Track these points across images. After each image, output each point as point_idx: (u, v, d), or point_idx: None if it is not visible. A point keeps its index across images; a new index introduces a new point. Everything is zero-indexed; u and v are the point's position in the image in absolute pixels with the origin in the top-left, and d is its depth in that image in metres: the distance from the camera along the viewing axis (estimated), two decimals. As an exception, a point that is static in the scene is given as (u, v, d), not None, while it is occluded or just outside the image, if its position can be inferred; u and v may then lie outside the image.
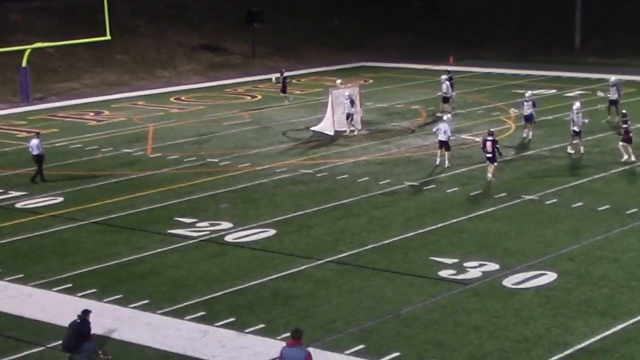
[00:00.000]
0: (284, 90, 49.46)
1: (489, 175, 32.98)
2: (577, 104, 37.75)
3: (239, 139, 41.13)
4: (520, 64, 62.83)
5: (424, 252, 25.61)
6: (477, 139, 37.33)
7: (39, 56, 56.97)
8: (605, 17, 71.10)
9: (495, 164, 33.04)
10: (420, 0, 79.17)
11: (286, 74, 50.59)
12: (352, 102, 41.36)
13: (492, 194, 31.22)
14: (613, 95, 42.96)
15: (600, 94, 44.15)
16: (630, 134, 35.61)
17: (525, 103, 39.35)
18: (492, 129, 34.48)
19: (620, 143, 35.67)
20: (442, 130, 35.21)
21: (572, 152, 36.83)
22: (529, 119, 39.25)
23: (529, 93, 39.97)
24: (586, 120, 37.31)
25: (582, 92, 51.50)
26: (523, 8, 74.46)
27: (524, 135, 39.51)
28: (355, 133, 41.37)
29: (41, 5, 65.33)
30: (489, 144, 32.89)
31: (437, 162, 35.27)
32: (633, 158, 35.10)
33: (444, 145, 35.20)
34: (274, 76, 51.70)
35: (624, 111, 38.78)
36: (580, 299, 22.13)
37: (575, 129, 36.67)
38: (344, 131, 41.44)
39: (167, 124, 45.09)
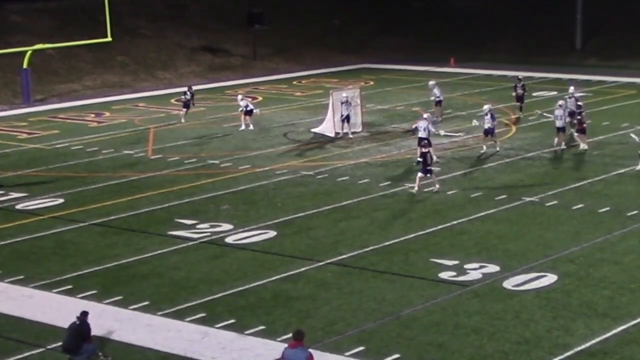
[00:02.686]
0: (186, 106, 45.51)
1: (416, 188, 31.75)
2: (561, 101, 38.78)
3: (239, 140, 41.12)
4: (521, 65, 62.75)
5: (425, 254, 25.61)
6: (459, 134, 38.26)
7: (39, 58, 56.99)
8: (606, 19, 71.10)
9: (429, 174, 31.89)
10: (421, 2, 79.18)
11: (195, 88, 47.96)
12: (349, 104, 41.27)
13: (493, 196, 31.22)
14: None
15: (537, 111, 43.03)
16: (584, 125, 37.77)
17: (485, 117, 37.50)
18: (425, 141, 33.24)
19: (575, 133, 37.89)
20: (422, 128, 35.45)
21: (559, 146, 37.83)
22: (488, 132, 37.52)
23: (487, 107, 38.08)
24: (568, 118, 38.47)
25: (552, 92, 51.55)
26: (524, 9, 74.45)
27: (482, 150, 37.50)
28: (350, 136, 41.22)
29: (42, 7, 65.34)
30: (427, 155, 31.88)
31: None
32: (585, 146, 37.43)
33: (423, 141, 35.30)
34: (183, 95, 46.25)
35: (579, 103, 39.88)
36: (580, 301, 22.13)
37: (559, 125, 37.77)
38: (346, 133, 41.38)
39: (168, 126, 45.10)
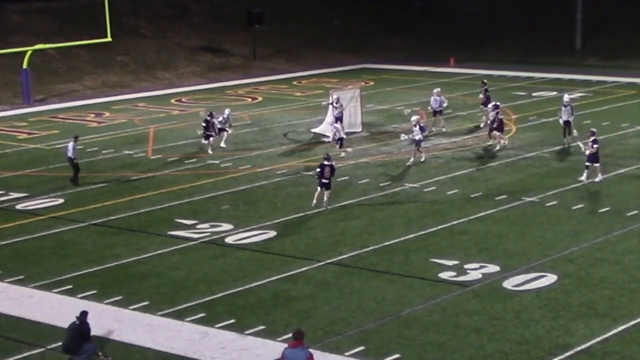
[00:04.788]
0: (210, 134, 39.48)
1: (325, 203, 30.26)
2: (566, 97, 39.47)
3: (239, 140, 41.10)
4: (521, 65, 62.81)
5: (425, 254, 25.62)
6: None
7: (39, 58, 56.99)
8: (606, 19, 71.12)
9: (329, 191, 30.33)
10: (421, 2, 79.19)
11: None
12: (341, 105, 41.10)
13: (493, 196, 31.22)
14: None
15: (406, 111, 42.82)
16: (502, 125, 38.60)
17: (413, 128, 36.32)
18: (329, 154, 31.65)
19: (495, 133, 38.29)
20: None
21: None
22: (417, 143, 36.24)
23: (414, 118, 36.96)
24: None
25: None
26: (524, 10, 74.46)
27: (409, 163, 36.19)
28: (343, 136, 40.97)
29: (42, 7, 65.35)
30: (327, 169, 30.04)
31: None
32: (505, 142, 38.34)
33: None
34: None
35: (497, 103, 40.07)
36: (580, 301, 22.13)
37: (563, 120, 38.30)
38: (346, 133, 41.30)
39: (168, 126, 45.09)
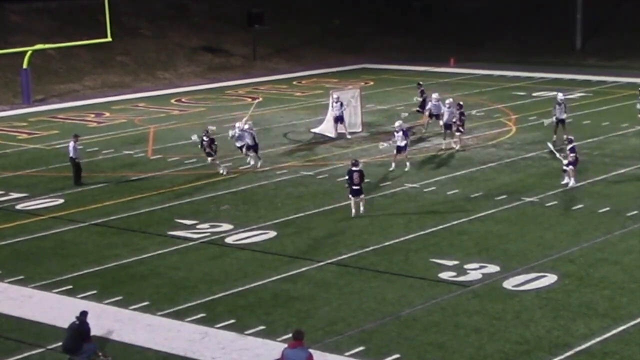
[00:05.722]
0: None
1: (362, 211, 29.30)
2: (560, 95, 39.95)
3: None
4: (520, 65, 62.82)
5: (425, 254, 25.62)
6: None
7: (39, 58, 57.00)
8: (606, 19, 71.13)
9: (362, 196, 29.46)
10: (421, 2, 79.20)
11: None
12: (342, 105, 41.20)
13: (493, 196, 31.22)
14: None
15: (404, 114, 42.39)
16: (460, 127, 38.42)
17: (395, 134, 35.65)
18: (356, 159, 30.52)
19: (457, 133, 38.36)
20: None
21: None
22: (401, 149, 35.40)
23: (398, 123, 36.02)
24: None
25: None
26: (524, 10, 74.49)
27: (392, 168, 35.27)
28: (348, 137, 41.14)
29: (42, 7, 65.35)
30: (355, 175, 29.01)
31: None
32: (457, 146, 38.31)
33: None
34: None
35: (461, 103, 40.09)
36: (580, 301, 22.13)
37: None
38: (342, 133, 41.33)
39: (168, 126, 45.10)
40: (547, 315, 21.33)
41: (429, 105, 42.11)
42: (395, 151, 35.37)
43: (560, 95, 40.04)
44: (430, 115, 41.73)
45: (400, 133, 35.26)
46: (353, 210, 29.28)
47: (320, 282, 23.77)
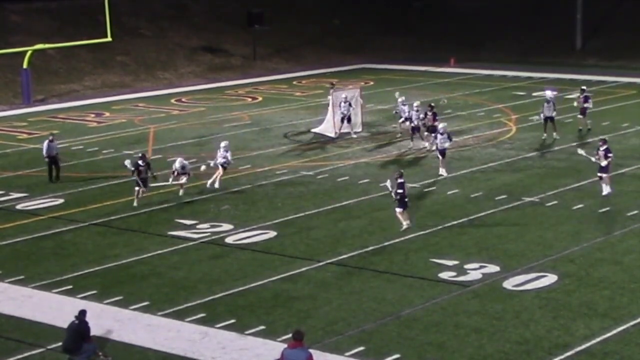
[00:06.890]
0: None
1: (407, 222, 27.71)
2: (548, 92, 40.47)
3: (239, 140, 41.08)
4: (521, 65, 62.83)
5: (425, 254, 25.61)
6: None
7: (39, 58, 56.99)
8: (606, 19, 71.13)
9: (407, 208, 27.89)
10: (421, 2, 79.20)
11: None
12: (350, 105, 41.28)
13: (493, 196, 31.21)
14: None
15: (397, 94, 41.58)
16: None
17: (439, 135, 34.65)
18: (401, 170, 29.23)
19: (425, 133, 38.31)
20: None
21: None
22: (444, 152, 34.65)
23: (442, 125, 35.27)
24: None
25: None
26: (524, 10, 74.49)
27: (444, 176, 34.28)
28: (354, 135, 41.26)
29: (42, 7, 65.36)
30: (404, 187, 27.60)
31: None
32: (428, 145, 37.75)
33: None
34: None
35: (433, 104, 40.29)
36: (580, 301, 22.13)
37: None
38: (347, 132, 41.37)
39: (168, 126, 45.10)
40: (547, 315, 21.33)
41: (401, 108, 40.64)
42: (439, 155, 34.38)
43: (549, 93, 40.33)
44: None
45: (445, 135, 34.22)
46: (403, 224, 27.49)
47: (320, 282, 23.77)
